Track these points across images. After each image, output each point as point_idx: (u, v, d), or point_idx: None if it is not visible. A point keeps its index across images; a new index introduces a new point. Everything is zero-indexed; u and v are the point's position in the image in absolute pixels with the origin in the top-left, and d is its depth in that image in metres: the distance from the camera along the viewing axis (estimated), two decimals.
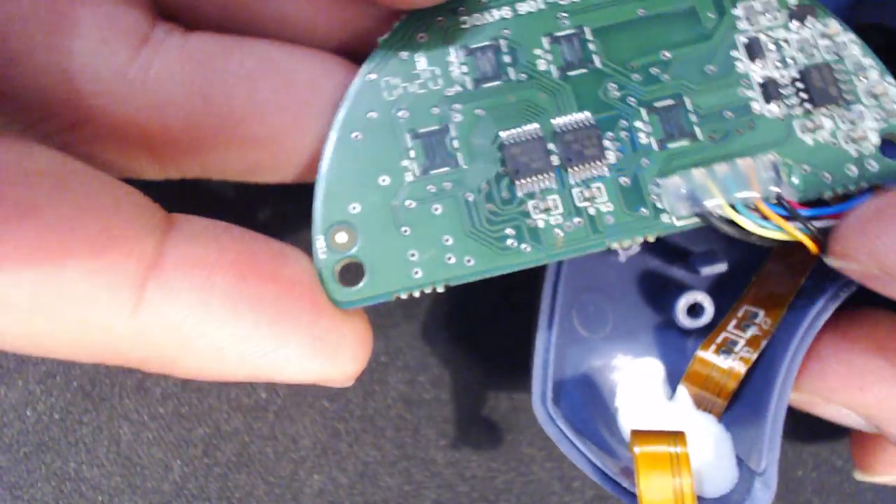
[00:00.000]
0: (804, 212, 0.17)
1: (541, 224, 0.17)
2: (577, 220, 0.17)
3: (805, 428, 0.26)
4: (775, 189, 0.17)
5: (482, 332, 0.25)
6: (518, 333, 0.25)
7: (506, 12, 0.18)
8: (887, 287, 0.15)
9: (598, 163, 0.17)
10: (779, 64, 0.18)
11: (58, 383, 0.25)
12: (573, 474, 0.26)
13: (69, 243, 0.13)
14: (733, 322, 0.21)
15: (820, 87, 0.17)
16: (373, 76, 0.17)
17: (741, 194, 0.17)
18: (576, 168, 0.17)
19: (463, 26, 0.18)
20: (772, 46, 0.18)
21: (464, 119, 0.17)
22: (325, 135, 0.17)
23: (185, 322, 0.14)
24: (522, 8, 0.18)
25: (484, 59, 0.17)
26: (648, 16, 0.18)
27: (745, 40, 0.18)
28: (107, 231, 0.14)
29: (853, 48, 0.18)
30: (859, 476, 0.22)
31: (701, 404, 0.21)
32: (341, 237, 0.16)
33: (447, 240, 0.17)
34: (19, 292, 0.13)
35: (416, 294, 0.17)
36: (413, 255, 0.16)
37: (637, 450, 0.18)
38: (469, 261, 0.17)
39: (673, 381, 0.22)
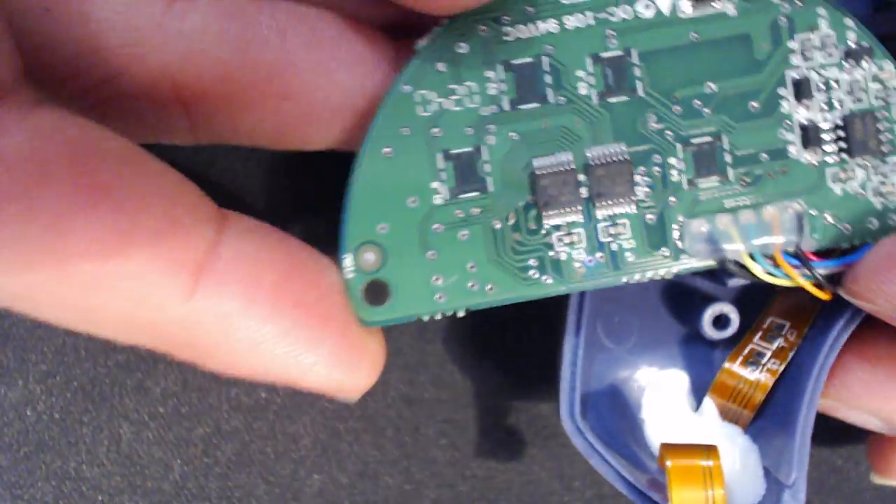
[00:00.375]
0: (816, 263, 0.17)
1: (563, 257, 0.17)
2: (599, 255, 0.17)
3: None
4: (794, 240, 0.17)
5: (483, 332, 0.25)
6: (521, 335, 0.25)
7: (552, 25, 0.17)
8: None
9: (627, 199, 0.17)
10: (824, 106, 0.17)
11: (58, 383, 0.24)
12: (573, 474, 0.26)
13: (136, 226, 0.14)
14: (759, 334, 0.21)
15: (860, 139, 0.17)
16: (407, 88, 0.17)
17: (760, 242, 0.17)
18: (604, 203, 0.17)
19: (506, 38, 0.17)
20: (821, 86, 0.17)
21: (497, 142, 0.17)
22: (353, 92, 0.17)
23: (232, 313, 0.15)
24: (570, 22, 0.17)
25: (523, 78, 0.17)
26: (700, 41, 0.17)
27: (796, 77, 0.17)
28: (170, 217, 0.14)
29: None
30: (877, 479, 0.22)
31: (727, 416, 0.21)
32: (369, 257, 0.16)
33: (472, 266, 0.17)
34: (83, 269, 0.14)
35: (438, 317, 0.17)
36: (438, 279, 0.17)
37: (669, 463, 0.18)
38: (491, 288, 0.17)
39: (698, 392, 0.22)
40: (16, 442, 0.25)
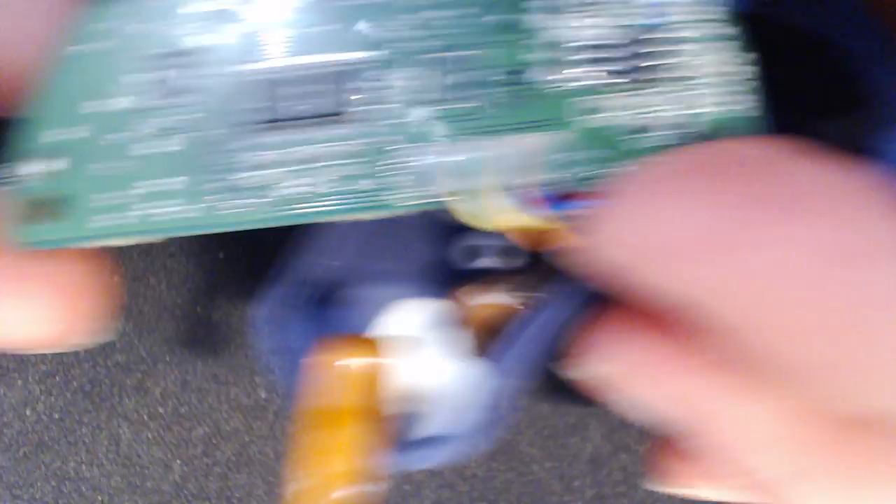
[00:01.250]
0: (566, 204, 0.14)
1: (267, 182, 0.14)
2: (305, 180, 0.14)
3: None
4: (540, 177, 0.14)
5: None
6: None
7: None
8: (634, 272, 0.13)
9: (341, 120, 0.14)
10: (588, 21, 0.14)
11: (58, 383, 0.24)
12: (573, 474, 0.26)
13: None
14: (515, 267, 0.20)
15: (622, 62, 0.14)
16: None
17: (501, 178, 0.14)
18: (312, 122, 0.14)
19: None
20: None
21: (224, 44, 0.14)
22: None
23: None
24: None
25: None
26: None
27: None
28: None
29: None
30: (655, 486, 0.20)
31: (468, 344, 0.20)
32: (59, 163, 0.14)
33: (178, 182, 0.14)
34: None
35: (132, 242, 0.14)
36: (137, 194, 0.14)
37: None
38: (193, 211, 0.14)
39: (443, 321, 0.21)
40: (15, 442, 0.25)
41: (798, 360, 0.11)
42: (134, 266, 0.25)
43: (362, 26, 0.14)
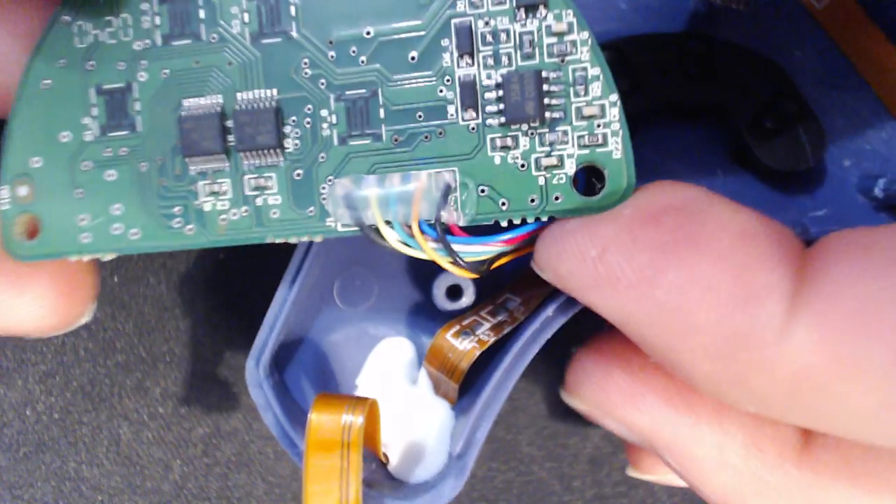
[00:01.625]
0: (456, 239, 0.15)
1: (207, 207, 0.16)
2: (243, 209, 0.16)
3: None
4: (437, 213, 0.15)
5: None
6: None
7: None
8: (573, 293, 0.15)
9: (272, 152, 0.15)
10: (491, 62, 0.15)
11: (58, 383, 0.24)
12: (573, 474, 0.26)
13: None
14: (489, 307, 0.20)
15: (515, 102, 0.15)
16: (66, 18, 0.16)
17: (403, 208, 0.15)
18: (248, 154, 0.15)
19: None
20: (490, 38, 0.15)
21: (148, 79, 0.16)
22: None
23: None
24: None
25: (177, 12, 0.16)
26: None
27: (461, 25, 0.15)
28: None
29: (583, 52, 0.15)
30: (631, 473, 0.22)
31: (439, 388, 0.20)
32: (22, 190, 0.16)
33: (117, 209, 0.16)
34: None
35: (86, 258, 0.16)
36: (83, 219, 0.16)
37: (311, 416, 0.17)
38: (135, 234, 0.16)
39: (420, 364, 0.21)
40: (15, 442, 0.25)
41: (706, 378, 0.14)
42: (134, 266, 0.25)
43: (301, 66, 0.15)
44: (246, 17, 0.16)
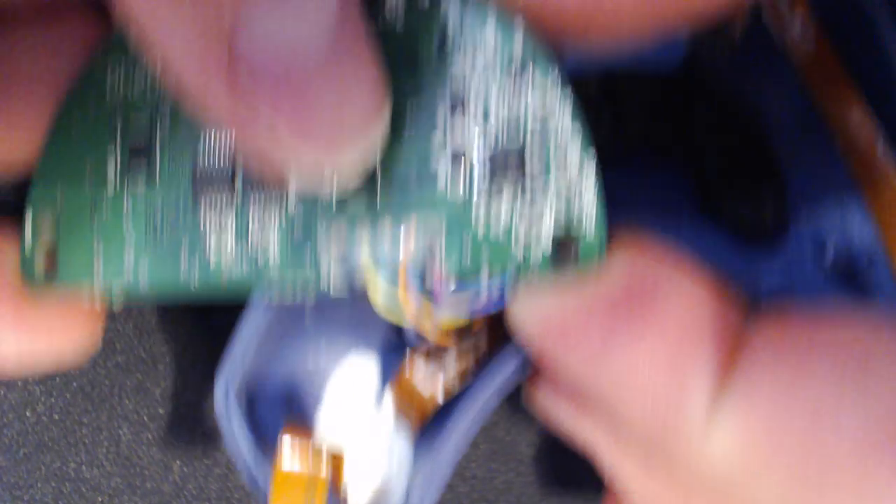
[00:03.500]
0: (438, 303, 0.16)
1: (213, 258, 0.16)
2: (244, 266, 0.16)
3: None
4: (423, 263, 0.15)
5: None
6: None
7: None
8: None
9: (279, 201, 0.16)
10: (479, 127, 0.15)
11: (58, 383, 0.25)
12: (573, 474, 0.26)
13: None
14: (458, 333, 0.20)
15: (501, 165, 0.15)
16: (99, 66, 0.16)
17: (391, 258, 0.15)
18: (256, 201, 0.16)
19: None
20: (479, 105, 0.15)
21: (170, 126, 0.16)
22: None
23: None
24: None
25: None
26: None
27: (453, 92, 0.15)
28: None
29: (562, 117, 0.15)
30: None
31: (401, 416, 0.20)
32: (45, 225, 0.17)
33: (131, 251, 0.16)
34: None
35: (97, 301, 0.17)
36: (100, 258, 0.16)
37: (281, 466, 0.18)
38: (146, 277, 0.16)
39: (386, 399, 0.21)
40: (15, 443, 0.25)
41: (640, 448, 0.15)
42: None
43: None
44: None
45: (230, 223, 0.16)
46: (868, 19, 0.19)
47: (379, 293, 0.15)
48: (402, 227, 0.15)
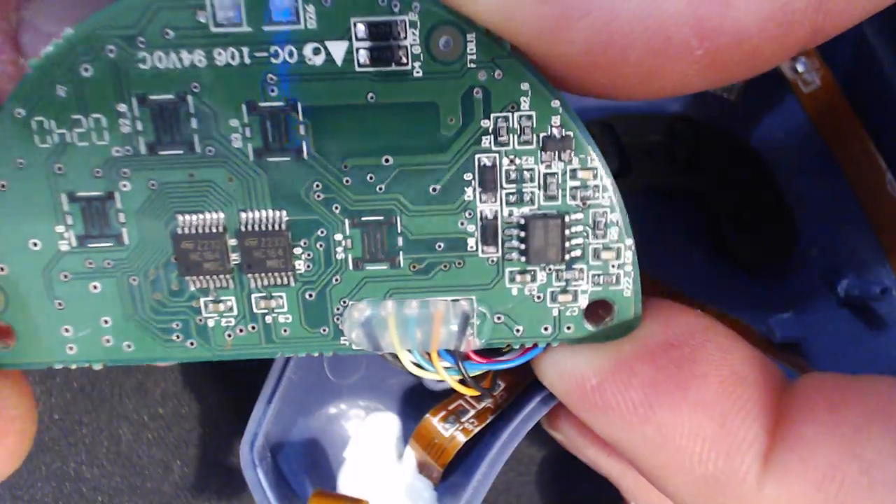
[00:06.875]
0: (472, 365, 0.16)
1: (211, 323, 0.15)
2: (251, 325, 0.15)
3: None
4: (456, 337, 0.15)
5: None
6: None
7: (198, 57, 0.14)
8: (568, 408, 0.16)
9: (283, 275, 0.15)
10: (514, 199, 0.15)
11: (58, 383, 0.24)
12: (573, 475, 0.26)
13: None
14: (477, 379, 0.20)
15: (539, 247, 0.15)
16: (21, 112, 0.14)
17: (421, 334, 0.15)
18: (256, 276, 0.15)
19: (140, 65, 0.14)
20: (513, 176, 0.14)
21: (132, 189, 0.14)
22: None
23: None
24: (221, 57, 0.14)
25: (163, 118, 0.14)
26: (377, 104, 0.14)
27: (486, 163, 0.14)
28: None
29: (604, 197, 0.15)
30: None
31: (423, 467, 0.20)
32: None
33: (106, 321, 0.15)
34: None
35: (73, 367, 0.15)
36: (67, 330, 0.15)
37: None
38: (129, 346, 0.15)
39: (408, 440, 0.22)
40: None
41: (685, 491, 0.15)
42: None
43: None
44: (248, 132, 0.14)
45: (230, 287, 0.15)
46: (875, 58, 0.19)
47: (406, 356, 0.16)
48: (435, 301, 0.15)
